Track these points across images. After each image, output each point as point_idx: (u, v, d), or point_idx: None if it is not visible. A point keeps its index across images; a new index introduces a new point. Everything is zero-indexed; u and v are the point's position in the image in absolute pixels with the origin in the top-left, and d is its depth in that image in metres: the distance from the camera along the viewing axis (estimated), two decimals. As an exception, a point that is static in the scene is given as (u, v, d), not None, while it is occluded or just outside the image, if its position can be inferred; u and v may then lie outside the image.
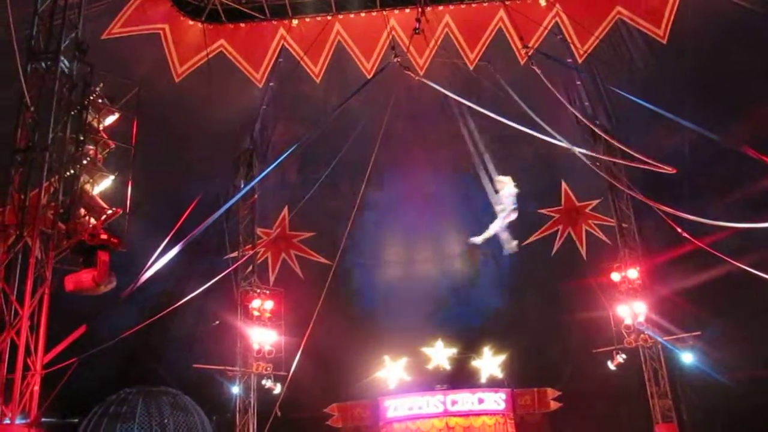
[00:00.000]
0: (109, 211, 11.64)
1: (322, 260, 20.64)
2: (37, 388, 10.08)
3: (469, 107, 16.29)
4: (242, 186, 19.02)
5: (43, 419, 10.32)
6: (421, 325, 21.07)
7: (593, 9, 17.78)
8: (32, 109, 10.99)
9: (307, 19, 18.26)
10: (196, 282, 16.18)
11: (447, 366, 21.23)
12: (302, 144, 15.96)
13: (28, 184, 10.71)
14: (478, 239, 15.91)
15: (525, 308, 21.58)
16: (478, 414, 20.30)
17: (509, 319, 21.42)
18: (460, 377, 21.10)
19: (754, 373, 17.62)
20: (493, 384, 20.83)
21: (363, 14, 18.17)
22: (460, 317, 21.44)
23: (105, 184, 11.97)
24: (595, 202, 20.65)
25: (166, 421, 17.10)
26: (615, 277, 19.03)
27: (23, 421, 9.85)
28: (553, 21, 17.93)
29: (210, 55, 17.81)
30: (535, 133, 15.24)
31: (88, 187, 11.61)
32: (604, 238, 20.63)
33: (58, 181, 11.03)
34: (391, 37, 16.68)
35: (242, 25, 18.21)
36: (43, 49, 11.49)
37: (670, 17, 17.08)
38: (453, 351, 21.32)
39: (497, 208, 15.19)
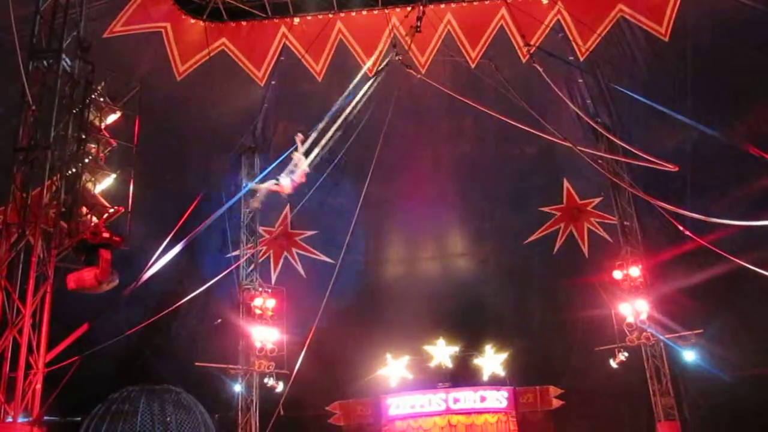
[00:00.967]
0: (111, 210, 11.65)
1: (324, 258, 20.65)
2: (39, 386, 10.11)
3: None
4: (244, 184, 19.02)
5: (45, 418, 10.33)
6: (423, 323, 21.07)
7: (595, 7, 17.75)
8: (34, 107, 11.01)
9: (309, 18, 18.27)
10: (198, 280, 16.23)
11: (449, 364, 21.22)
12: (305, 142, 15.97)
13: (30, 182, 10.74)
14: (252, 185, 15.30)
15: (527, 306, 21.59)
16: (480, 412, 20.30)
17: (511, 317, 21.43)
18: (463, 375, 21.09)
19: (756, 370, 17.58)
20: (496, 382, 20.82)
21: (364, 12, 18.18)
22: (462, 315, 21.42)
23: (107, 182, 11.99)
24: (597, 200, 20.61)
25: (168, 419, 17.11)
26: (617, 275, 19.00)
27: (26, 420, 9.87)
28: (555, 19, 17.91)
29: (211, 54, 17.83)
30: (537, 132, 15.24)
31: (90, 185, 11.62)
32: (606, 236, 20.61)
33: (60, 180, 11.05)
34: (392, 35, 16.67)
35: (244, 23, 18.22)
36: (44, 48, 11.52)
37: (671, 15, 17.04)
38: (455, 349, 21.30)
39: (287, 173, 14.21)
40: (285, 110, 19.45)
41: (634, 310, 18.36)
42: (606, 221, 20.53)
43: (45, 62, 11.39)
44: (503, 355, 21.07)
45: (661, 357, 18.49)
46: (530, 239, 21.17)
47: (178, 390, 18.04)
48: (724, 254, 15.10)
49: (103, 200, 11.75)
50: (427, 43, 18.03)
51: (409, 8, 17.47)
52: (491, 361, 21.09)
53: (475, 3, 18.06)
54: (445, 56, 18.30)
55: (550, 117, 16.50)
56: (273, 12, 18.13)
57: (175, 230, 13.96)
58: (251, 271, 19.59)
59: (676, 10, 16.94)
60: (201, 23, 17.68)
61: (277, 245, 20.99)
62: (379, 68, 15.32)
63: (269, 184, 12.85)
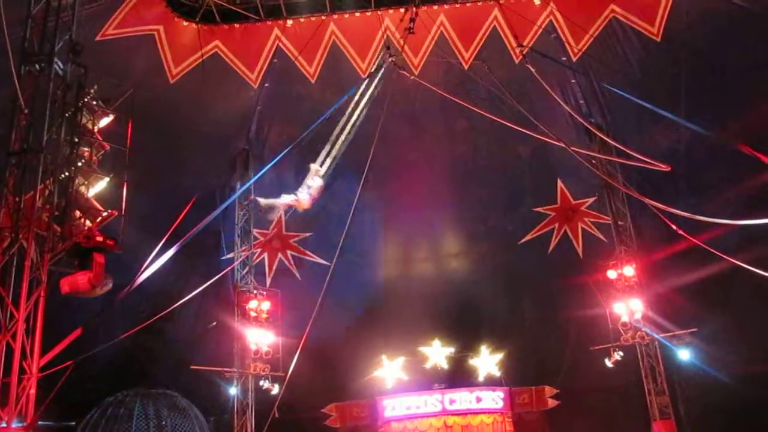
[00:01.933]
0: (105, 213, 11.59)
1: (319, 260, 20.63)
2: (33, 391, 10.06)
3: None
4: (238, 187, 19.00)
5: (39, 422, 10.30)
6: (418, 324, 21.07)
7: (587, 7, 17.79)
8: (26, 111, 10.97)
9: (302, 20, 18.25)
10: (192, 283, 16.19)
11: (445, 365, 21.22)
12: (298, 144, 15.96)
13: (22, 186, 10.70)
14: (261, 199, 15.29)
15: (522, 307, 21.62)
16: (476, 413, 20.29)
17: (506, 317, 21.46)
18: (458, 376, 21.09)
19: (750, 368, 17.62)
20: (491, 382, 20.83)
21: (357, 14, 18.17)
22: (457, 316, 21.43)
23: (100, 186, 11.94)
24: (590, 200, 20.66)
25: (163, 422, 17.09)
26: (611, 274, 19.07)
27: (20, 425, 9.83)
28: (548, 20, 17.94)
29: (205, 56, 17.80)
30: (531, 132, 15.27)
31: (83, 189, 11.58)
32: (600, 235, 20.65)
33: (52, 184, 11.01)
34: (385, 36, 16.68)
35: (237, 25, 18.19)
36: (36, 51, 11.46)
37: (663, 15, 17.10)
38: (450, 350, 21.30)
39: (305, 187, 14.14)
40: (279, 112, 19.46)
41: (628, 309, 18.43)
42: (600, 221, 20.58)
43: (37, 66, 11.33)
44: (499, 356, 21.08)
45: (656, 356, 18.54)
46: (525, 239, 21.21)
47: (174, 393, 18.03)
48: (718, 253, 15.14)
49: (96, 204, 11.69)
50: (420, 45, 18.04)
51: (402, 10, 17.53)
52: (487, 361, 21.09)
53: (467, 4, 18.08)
54: (438, 57, 18.32)
55: (544, 117, 16.54)
56: (266, 14, 18.11)
57: (169, 233, 13.91)
58: (246, 273, 19.58)
59: (668, 11, 16.99)
60: (194, 26, 17.65)
61: (271, 247, 20.98)
62: (372, 70, 15.30)
63: (287, 200, 12.73)
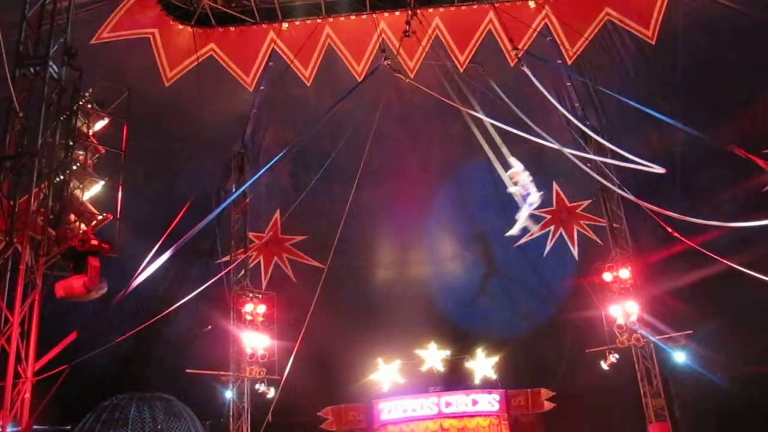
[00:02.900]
0: (100, 217, 11.59)
1: (315, 263, 20.59)
2: (28, 395, 10.03)
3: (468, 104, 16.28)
4: (233, 190, 18.97)
5: (34, 426, 10.25)
6: (414, 327, 21.06)
7: (582, 10, 17.86)
8: (21, 114, 10.94)
9: (297, 23, 18.26)
10: (188, 286, 16.16)
11: (441, 368, 21.22)
12: (294, 147, 15.97)
13: (17, 190, 10.66)
14: (514, 231, 15.69)
15: (518, 309, 21.62)
16: (472, 415, 20.30)
17: (502, 320, 21.45)
18: (454, 379, 21.10)
19: (745, 370, 17.69)
20: (487, 385, 20.84)
21: (353, 17, 18.19)
22: (453, 319, 21.44)
23: (95, 189, 11.92)
24: (586, 203, 20.71)
25: (159, 426, 17.01)
26: (607, 277, 19.09)
27: (15, 429, 9.79)
28: (543, 23, 18.01)
29: (200, 59, 17.78)
30: (526, 135, 15.27)
31: (78, 192, 11.57)
32: (595, 238, 20.70)
33: (47, 187, 10.98)
34: (381, 39, 16.70)
35: (232, 28, 18.18)
36: (31, 55, 11.44)
37: (658, 18, 17.18)
38: (446, 353, 21.31)
39: (520, 196, 14.78)
40: (274, 115, 19.44)
41: (624, 311, 18.45)
42: (595, 223, 20.63)
43: (32, 69, 11.31)
44: (494, 358, 21.09)
45: (652, 358, 18.56)
46: (520, 242, 21.19)
47: (169, 397, 17.95)
48: (713, 256, 15.19)
49: (91, 207, 11.69)
50: (415, 48, 18.05)
51: (397, 13, 17.56)
52: (483, 364, 21.10)
53: (463, 7, 18.13)
54: (433, 60, 18.34)
55: (539, 120, 16.54)
56: (261, 17, 18.11)
57: (164, 237, 13.88)
58: (242, 276, 19.54)
59: (662, 14, 17.07)
60: (189, 29, 17.64)
61: (267, 250, 20.95)
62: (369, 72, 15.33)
63: (526, 212, 13.26)
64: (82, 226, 11.30)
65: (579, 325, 19.65)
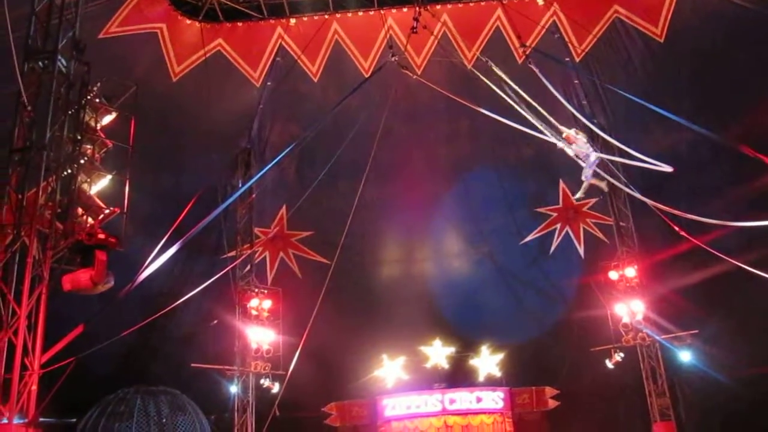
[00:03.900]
0: (107, 211, 11.61)
1: (320, 259, 20.61)
2: (34, 387, 10.08)
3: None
4: (240, 185, 18.99)
5: (41, 419, 10.31)
6: (419, 323, 21.07)
7: (591, 8, 17.80)
8: (29, 108, 10.97)
9: (305, 18, 18.28)
10: (194, 281, 16.20)
11: (445, 365, 21.22)
12: (300, 143, 15.98)
13: (25, 183, 10.69)
14: (580, 194, 15.49)
15: (523, 307, 21.60)
16: (476, 413, 20.30)
17: (507, 318, 21.42)
18: (459, 376, 21.10)
19: (751, 370, 17.64)
20: (492, 383, 20.83)
21: (360, 13, 18.20)
22: (458, 316, 21.42)
23: (102, 183, 11.95)
24: (593, 201, 20.64)
25: (164, 420, 17.06)
26: (613, 275, 19.07)
27: (21, 421, 9.84)
28: (551, 20, 17.95)
29: (207, 55, 17.82)
30: (533, 132, 15.22)
31: (85, 186, 11.59)
32: (602, 236, 20.64)
33: (55, 181, 11.01)
34: (388, 36, 16.69)
35: (240, 24, 18.21)
36: (40, 49, 11.46)
37: (667, 16, 17.10)
38: (451, 350, 21.31)
39: (581, 157, 14.49)
40: (281, 111, 19.46)
41: (629, 310, 18.43)
42: (602, 222, 20.58)
43: (40, 63, 11.33)
44: (499, 356, 21.08)
45: (657, 357, 18.54)
46: (526, 240, 21.19)
47: (174, 391, 18.00)
48: (720, 255, 15.14)
49: (98, 201, 11.71)
50: (423, 44, 18.03)
51: (405, 9, 17.53)
52: (487, 361, 21.10)
53: (471, 4, 18.10)
54: (441, 57, 18.31)
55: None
56: (269, 13, 18.13)
57: (170, 231, 13.91)
58: (247, 271, 19.58)
59: (671, 11, 17.00)
60: (197, 24, 17.66)
61: (273, 246, 20.97)
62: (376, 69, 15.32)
63: (589, 171, 13.16)
64: (90, 219, 11.34)
65: (584, 323, 19.63)
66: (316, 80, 18.82)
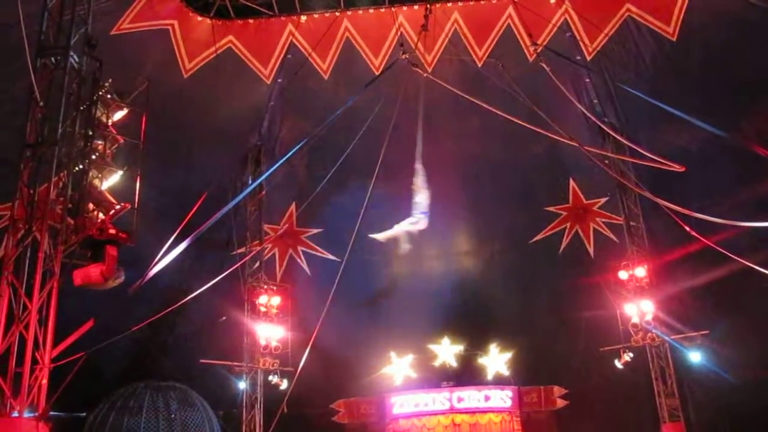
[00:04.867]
0: (118, 206, 11.66)
1: (330, 256, 20.65)
2: (45, 381, 10.13)
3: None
4: (250, 182, 19.03)
5: (51, 413, 10.36)
6: (427, 322, 21.05)
7: (603, 6, 17.71)
8: (42, 104, 11.03)
9: (316, 15, 18.30)
10: (203, 277, 16.24)
11: (453, 363, 21.23)
12: (310, 140, 15.98)
13: (37, 178, 10.76)
14: (379, 236, 15.62)
15: (532, 306, 21.53)
16: (484, 411, 20.31)
17: (516, 316, 21.38)
18: (467, 374, 21.10)
19: (762, 371, 17.52)
20: (500, 381, 20.83)
21: (371, 10, 18.20)
22: (466, 314, 21.40)
23: (113, 179, 11.99)
24: (603, 200, 20.56)
25: (173, 415, 17.15)
26: (622, 275, 18.98)
27: (31, 415, 9.91)
28: (562, 18, 17.88)
29: (218, 51, 17.86)
30: (544, 131, 15.19)
31: (96, 182, 11.64)
32: (611, 236, 20.56)
33: (67, 176, 11.07)
34: (399, 33, 16.68)
35: (251, 21, 18.25)
36: (52, 45, 11.53)
37: (680, 15, 17.00)
38: (459, 348, 21.31)
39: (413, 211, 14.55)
40: (291, 108, 19.48)
41: (639, 310, 18.35)
42: (612, 221, 20.49)
43: (53, 59, 11.41)
44: (508, 355, 21.07)
45: (667, 358, 18.45)
46: (536, 239, 21.13)
47: (183, 386, 18.09)
48: (731, 255, 15.04)
49: (109, 197, 11.76)
50: (434, 42, 18.00)
51: (416, 7, 17.51)
52: (496, 360, 21.09)
53: (482, 2, 18.06)
54: (452, 55, 18.27)
55: (557, 116, 16.45)
56: (280, 10, 18.16)
57: (180, 227, 13.96)
58: (257, 268, 19.63)
59: (684, 10, 16.89)
60: (208, 21, 17.72)
61: (282, 243, 21.02)
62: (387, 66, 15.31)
63: (405, 227, 13.11)
64: (101, 215, 11.38)
65: (593, 323, 19.55)
66: (326, 77, 18.83)
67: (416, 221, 12.78)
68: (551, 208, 21.04)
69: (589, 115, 17.88)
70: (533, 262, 21.36)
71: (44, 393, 10.12)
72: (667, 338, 18.06)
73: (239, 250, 19.46)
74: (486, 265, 22.02)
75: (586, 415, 19.67)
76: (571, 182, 20.69)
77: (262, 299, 19.14)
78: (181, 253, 12.07)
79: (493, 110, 15.40)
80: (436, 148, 20.49)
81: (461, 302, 21.43)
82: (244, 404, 18.42)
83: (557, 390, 20.41)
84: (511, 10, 17.89)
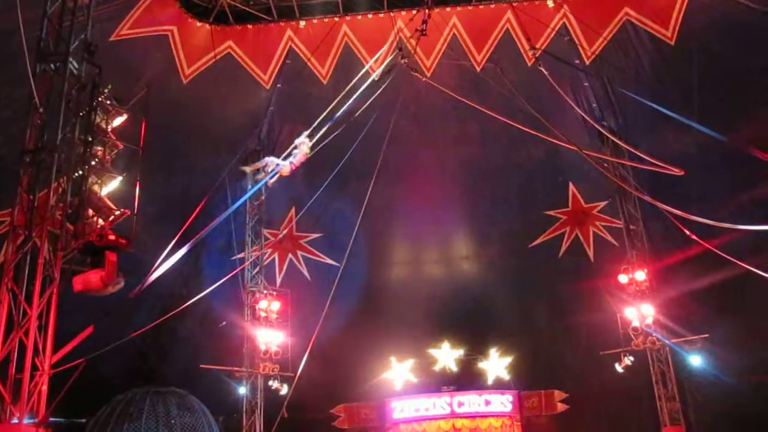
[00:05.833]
0: (117, 212, 11.67)
1: (329, 261, 20.65)
2: (45, 387, 10.11)
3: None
4: (249, 187, 19.02)
5: (50, 419, 10.34)
6: (427, 326, 21.07)
7: (601, 10, 17.75)
8: (41, 110, 11.04)
9: (315, 21, 18.33)
10: (203, 283, 16.25)
11: (454, 367, 21.22)
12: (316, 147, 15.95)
13: (36, 184, 10.75)
14: (247, 168, 15.61)
15: (532, 310, 21.54)
16: (484, 416, 20.27)
17: (516, 320, 21.40)
18: (467, 379, 21.08)
19: (762, 375, 17.52)
20: (500, 386, 20.80)
21: (370, 16, 18.23)
22: (466, 319, 21.40)
23: (113, 185, 12.01)
24: (602, 204, 20.59)
25: (173, 421, 17.08)
26: (622, 279, 18.96)
27: (31, 421, 9.89)
28: (561, 22, 17.91)
29: (218, 57, 17.89)
30: (543, 135, 15.21)
31: (96, 187, 11.66)
32: (611, 239, 20.58)
33: (66, 182, 11.05)
34: (398, 38, 16.69)
35: (250, 26, 18.29)
36: (52, 51, 11.52)
37: (678, 18, 17.03)
38: (460, 352, 21.30)
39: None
40: (290, 113, 19.47)
41: (639, 314, 18.33)
42: (611, 225, 20.51)
43: (52, 65, 11.39)
44: (508, 359, 21.05)
45: (667, 361, 18.44)
46: (535, 243, 21.15)
47: (183, 392, 18.05)
48: (731, 258, 15.04)
49: (109, 202, 11.77)
50: (432, 47, 18.04)
51: (414, 11, 17.52)
52: (496, 364, 21.07)
53: (480, 6, 18.09)
54: (450, 59, 18.30)
55: (556, 120, 16.48)
56: (279, 15, 18.20)
57: (180, 233, 13.97)
58: (256, 273, 19.63)
59: (682, 14, 16.92)
60: (207, 26, 17.75)
61: (282, 248, 21.03)
62: (385, 71, 15.30)
63: (268, 161, 13.12)
64: (100, 221, 11.39)
65: (594, 327, 19.54)
66: (325, 82, 18.85)
67: (283, 165, 13.07)
68: (551, 212, 21.07)
69: (588, 118, 17.90)
70: (533, 266, 21.36)
71: (44, 399, 10.09)
72: (667, 342, 18.04)
73: (239, 255, 19.46)
74: (486, 270, 22.04)
75: (586, 419, 19.67)
76: (571, 186, 20.71)
77: (262, 304, 19.12)
78: (181, 259, 12.07)
79: (493, 114, 15.42)
80: (435, 153, 20.60)
81: (461, 306, 21.43)
82: (245, 409, 18.38)
83: (558, 394, 20.39)
84: (509, 14, 17.92)
